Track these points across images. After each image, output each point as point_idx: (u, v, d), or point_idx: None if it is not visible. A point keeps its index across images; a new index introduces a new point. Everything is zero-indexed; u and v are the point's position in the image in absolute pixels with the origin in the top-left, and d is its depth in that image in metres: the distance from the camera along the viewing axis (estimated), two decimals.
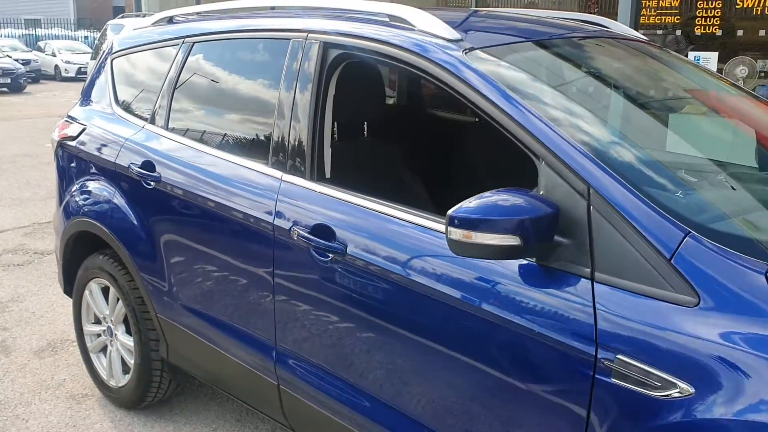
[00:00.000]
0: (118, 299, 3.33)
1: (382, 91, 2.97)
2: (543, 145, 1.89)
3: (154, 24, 3.43)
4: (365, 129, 3.06)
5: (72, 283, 3.63)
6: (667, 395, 1.61)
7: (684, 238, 1.68)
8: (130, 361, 3.32)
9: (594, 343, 1.73)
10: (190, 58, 3.07)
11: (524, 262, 1.89)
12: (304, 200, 2.43)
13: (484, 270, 1.95)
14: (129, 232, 3.14)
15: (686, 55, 8.08)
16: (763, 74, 8.03)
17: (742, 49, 8.17)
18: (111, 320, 3.41)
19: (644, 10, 8.37)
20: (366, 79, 2.83)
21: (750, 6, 7.91)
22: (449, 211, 1.79)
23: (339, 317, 2.34)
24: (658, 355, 1.64)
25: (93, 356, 3.57)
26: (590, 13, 7.03)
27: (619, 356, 1.68)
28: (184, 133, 3.02)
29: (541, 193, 1.87)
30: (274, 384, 2.62)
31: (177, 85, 3.09)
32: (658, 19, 8.47)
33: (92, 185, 3.37)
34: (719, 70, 8.05)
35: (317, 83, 2.49)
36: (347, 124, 2.89)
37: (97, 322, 3.53)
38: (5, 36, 29.75)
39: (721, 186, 2.08)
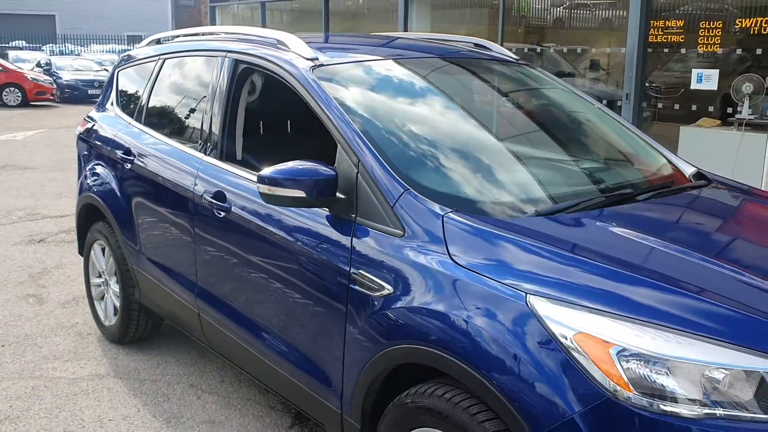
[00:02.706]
0: (110, 256, 4.31)
1: (295, 98, 3.79)
2: (339, 132, 2.72)
3: (147, 44, 4.43)
4: (288, 126, 3.95)
5: (84, 245, 4.65)
6: (380, 294, 2.42)
7: (403, 193, 2.48)
8: (117, 305, 4.29)
9: (349, 263, 2.54)
10: (161, 71, 4.04)
11: (326, 212, 2.71)
12: (213, 174, 3.33)
13: (305, 217, 2.78)
14: (116, 205, 4.11)
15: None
16: None
17: (744, 67, 8.62)
18: (106, 273, 4.40)
19: (653, 30, 8.91)
20: (279, 87, 3.66)
21: (748, 26, 8.37)
22: (260, 172, 2.64)
23: (230, 259, 3.22)
24: (377, 268, 2.44)
25: (96, 303, 4.57)
26: None
27: (360, 270, 2.50)
28: (152, 126, 3.98)
29: (336, 164, 2.70)
30: (196, 312, 3.52)
31: (151, 91, 4.06)
32: (664, 38, 9.00)
33: (96, 168, 4.37)
34: (725, 87, 8.53)
35: (229, 89, 3.39)
36: (269, 121, 3.78)
37: (99, 276, 4.53)
38: (107, 51, 32.20)
39: (473, 163, 2.85)
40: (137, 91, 4.26)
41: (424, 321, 2.25)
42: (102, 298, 4.52)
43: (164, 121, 3.96)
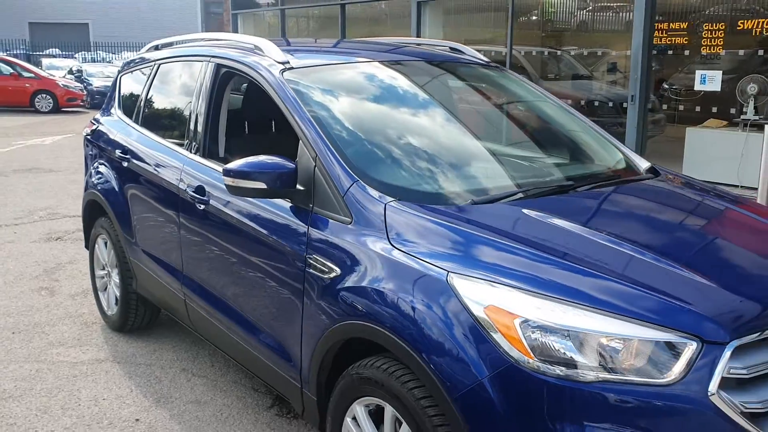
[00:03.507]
0: (111, 249, 4.59)
1: (268, 98, 3.83)
2: (300, 129, 2.96)
3: (147, 50, 4.72)
4: (263, 125, 4.21)
5: (89, 239, 4.95)
6: (329, 276, 2.65)
7: (352, 184, 2.71)
8: (118, 295, 4.58)
9: (306, 249, 2.78)
10: (156, 75, 4.32)
11: (289, 204, 2.95)
12: (196, 170, 3.59)
13: (271, 208, 3.02)
14: (115, 201, 4.40)
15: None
16: None
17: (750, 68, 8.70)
18: (108, 265, 4.68)
19: (656, 32, 9.02)
20: (254, 88, 3.85)
21: (749, 27, 8.46)
22: (225, 165, 2.89)
23: (210, 248, 3.47)
24: (328, 252, 2.68)
25: (100, 293, 4.87)
26: None
27: (314, 255, 2.73)
28: (147, 127, 4.26)
29: (297, 158, 2.93)
30: (182, 299, 3.78)
31: (147, 93, 4.35)
32: (668, 40, 9.11)
33: (99, 168, 4.67)
34: (730, 88, 8.61)
35: (211, 91, 3.65)
36: (246, 121, 4.05)
37: (103, 268, 4.82)
38: None
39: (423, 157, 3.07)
40: (136, 94, 4.55)
41: (364, 299, 2.48)
42: (105, 289, 4.81)
43: (157, 122, 4.24)
